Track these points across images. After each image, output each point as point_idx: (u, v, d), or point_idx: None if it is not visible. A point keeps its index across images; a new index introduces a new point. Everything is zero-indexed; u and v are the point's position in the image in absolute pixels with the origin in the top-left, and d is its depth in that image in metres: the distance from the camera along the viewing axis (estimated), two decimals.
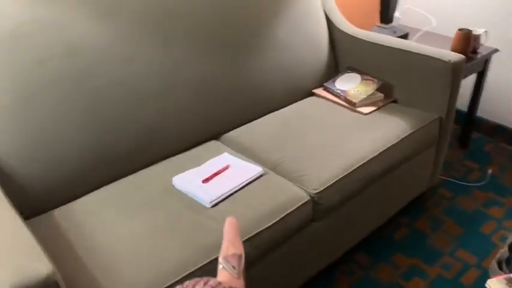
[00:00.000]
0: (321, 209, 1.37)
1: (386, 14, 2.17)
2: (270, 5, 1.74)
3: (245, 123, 1.70)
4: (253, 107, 1.72)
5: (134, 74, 1.41)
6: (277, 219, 1.25)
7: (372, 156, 1.49)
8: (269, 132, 1.61)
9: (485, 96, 2.38)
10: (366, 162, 1.47)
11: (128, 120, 1.40)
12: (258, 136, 1.60)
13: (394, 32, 2.18)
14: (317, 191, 1.35)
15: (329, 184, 1.37)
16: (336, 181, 1.39)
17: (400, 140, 1.59)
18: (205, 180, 1.35)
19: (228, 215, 1.23)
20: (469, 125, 2.29)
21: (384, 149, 1.54)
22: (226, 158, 1.47)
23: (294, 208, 1.29)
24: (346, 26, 1.97)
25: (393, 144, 1.57)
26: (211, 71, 1.58)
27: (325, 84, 1.90)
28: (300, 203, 1.31)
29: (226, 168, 1.41)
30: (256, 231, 1.21)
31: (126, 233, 1.17)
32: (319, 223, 1.41)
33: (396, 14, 2.23)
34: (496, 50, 2.06)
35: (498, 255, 1.66)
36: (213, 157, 1.47)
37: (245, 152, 1.53)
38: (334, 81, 1.89)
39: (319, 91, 1.89)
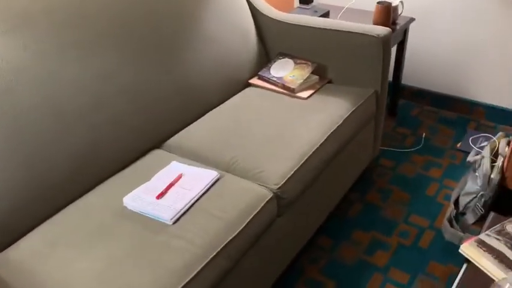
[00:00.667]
0: (284, 203, 1.33)
1: None
2: None
3: (186, 126, 1.60)
4: (192, 107, 1.62)
5: (58, 93, 1.24)
6: (245, 224, 1.19)
7: (323, 140, 1.48)
8: (214, 131, 1.53)
9: (406, 64, 2.49)
10: (319, 146, 1.46)
11: (59, 145, 1.23)
12: (203, 137, 1.51)
13: (315, 11, 2.18)
14: (279, 186, 1.30)
15: (289, 176, 1.33)
16: (295, 172, 1.35)
17: (345, 119, 1.60)
18: (160, 195, 1.24)
19: (192, 230, 1.14)
20: (396, 94, 2.39)
21: (332, 130, 1.53)
22: (176, 166, 1.37)
23: (259, 208, 1.24)
24: (269, 10, 1.93)
25: (340, 125, 1.57)
26: (144, 76, 1.46)
27: (259, 73, 1.85)
28: (264, 202, 1.26)
29: (180, 177, 1.31)
30: (227, 241, 1.13)
31: (84, 272, 1.04)
32: (284, 217, 1.37)
33: None
34: (412, 19, 2.15)
35: (447, 214, 1.75)
36: (162, 168, 1.36)
37: (193, 156, 1.44)
38: (268, 69, 1.85)
39: (255, 81, 1.84)
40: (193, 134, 1.54)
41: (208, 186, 1.28)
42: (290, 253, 1.49)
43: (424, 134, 2.27)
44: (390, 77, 2.42)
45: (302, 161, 1.39)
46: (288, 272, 1.59)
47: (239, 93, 1.78)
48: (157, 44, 1.51)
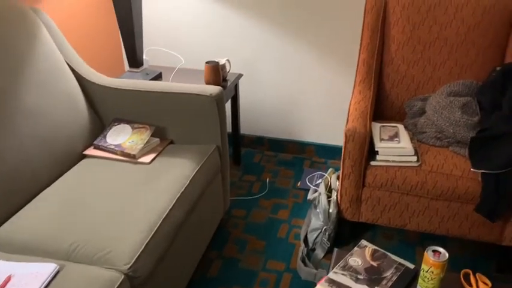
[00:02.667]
0: (138, 282, 1.24)
1: (134, 58, 2.15)
2: (7, 70, 1.47)
3: (11, 216, 1.39)
4: (16, 193, 1.42)
5: None
6: None
7: (171, 205, 1.44)
8: (47, 216, 1.36)
9: (242, 115, 2.64)
10: (168, 212, 1.41)
11: None
12: (34, 225, 1.32)
13: (147, 74, 2.18)
14: (129, 265, 1.21)
15: (139, 252, 1.24)
16: (146, 246, 1.27)
17: (192, 179, 1.59)
18: None
19: None
20: (237, 144, 2.49)
21: (180, 193, 1.50)
22: (2, 267, 1.16)
23: None
24: (97, 77, 1.85)
25: (187, 185, 1.55)
26: None
27: (95, 142, 1.74)
28: (116, 287, 1.15)
29: (8, 280, 1.12)
30: None
31: None
32: None
33: (143, 56, 2.23)
34: (240, 75, 2.30)
35: (300, 254, 1.85)
36: None
37: (24, 250, 1.25)
38: (104, 137, 1.75)
39: (91, 151, 1.72)
40: (21, 223, 1.34)
41: (47, 282, 1.12)
42: None
43: (267, 179, 2.40)
44: (230, 129, 2.53)
45: (152, 232, 1.32)
46: None
47: (73, 168, 1.63)
48: None
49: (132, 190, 1.48)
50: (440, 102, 1.78)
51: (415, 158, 1.69)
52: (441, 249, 1.10)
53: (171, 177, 1.56)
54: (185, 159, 1.67)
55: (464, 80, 1.91)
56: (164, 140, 1.82)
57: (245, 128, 2.68)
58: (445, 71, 1.96)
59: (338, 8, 2.22)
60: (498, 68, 1.84)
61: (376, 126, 1.85)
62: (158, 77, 2.19)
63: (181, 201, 1.49)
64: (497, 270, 1.80)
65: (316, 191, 2.01)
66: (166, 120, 1.82)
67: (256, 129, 2.66)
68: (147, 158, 1.68)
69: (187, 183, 1.56)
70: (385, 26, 2.01)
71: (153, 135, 1.77)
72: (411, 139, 1.78)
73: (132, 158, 1.67)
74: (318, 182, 2.33)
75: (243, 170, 2.48)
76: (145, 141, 1.71)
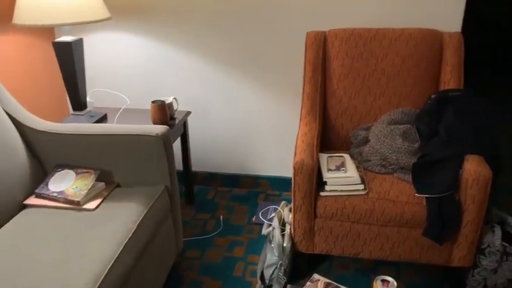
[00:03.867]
0: None
1: (77, 101, 2.09)
2: None
3: None
4: None
5: None
6: None
7: (118, 252, 1.38)
8: None
9: (193, 152, 2.62)
10: (115, 261, 1.35)
11: None
12: None
13: (92, 116, 2.13)
14: None
15: None
16: None
17: (139, 223, 1.54)
18: None
19: None
20: (189, 182, 2.45)
21: (128, 239, 1.45)
22: None
23: None
24: (37, 123, 1.79)
25: (134, 230, 1.49)
26: None
27: (36, 191, 1.66)
28: None
29: None
30: None
31: None
32: None
33: (88, 99, 2.18)
34: (189, 112, 2.29)
35: None
36: None
37: None
38: (46, 185, 1.67)
39: (32, 200, 1.64)
40: None
41: None
42: None
43: (221, 216, 2.36)
44: (180, 166, 2.50)
45: (98, 284, 1.25)
46: None
47: (12, 220, 1.54)
48: None
49: (76, 239, 1.41)
50: (382, 131, 1.85)
51: (362, 187, 1.73)
52: (389, 279, 1.12)
53: (117, 223, 1.50)
54: (132, 202, 1.62)
55: (403, 108, 2.00)
56: (110, 184, 1.76)
57: (197, 165, 2.65)
58: (385, 100, 2.05)
59: (282, 43, 2.29)
60: (433, 96, 1.94)
61: (324, 157, 1.88)
62: (103, 118, 2.14)
63: (128, 248, 1.43)
64: None
65: (270, 225, 2.00)
66: (112, 163, 1.77)
67: (208, 165, 2.64)
68: (92, 204, 1.61)
69: (135, 228, 1.51)
70: (326, 60, 2.09)
71: (98, 179, 1.71)
72: (357, 168, 1.83)
73: (76, 205, 1.60)
74: (272, 215, 2.32)
75: (196, 209, 2.44)
76: (89, 187, 1.65)
